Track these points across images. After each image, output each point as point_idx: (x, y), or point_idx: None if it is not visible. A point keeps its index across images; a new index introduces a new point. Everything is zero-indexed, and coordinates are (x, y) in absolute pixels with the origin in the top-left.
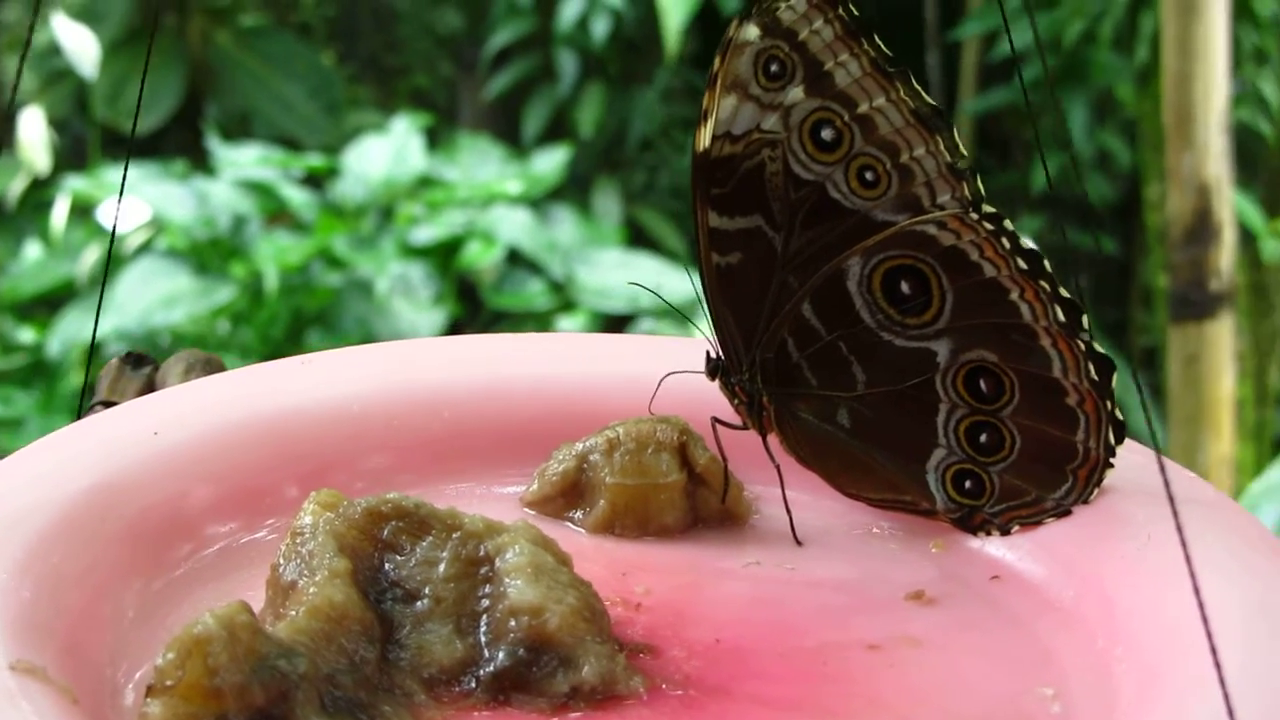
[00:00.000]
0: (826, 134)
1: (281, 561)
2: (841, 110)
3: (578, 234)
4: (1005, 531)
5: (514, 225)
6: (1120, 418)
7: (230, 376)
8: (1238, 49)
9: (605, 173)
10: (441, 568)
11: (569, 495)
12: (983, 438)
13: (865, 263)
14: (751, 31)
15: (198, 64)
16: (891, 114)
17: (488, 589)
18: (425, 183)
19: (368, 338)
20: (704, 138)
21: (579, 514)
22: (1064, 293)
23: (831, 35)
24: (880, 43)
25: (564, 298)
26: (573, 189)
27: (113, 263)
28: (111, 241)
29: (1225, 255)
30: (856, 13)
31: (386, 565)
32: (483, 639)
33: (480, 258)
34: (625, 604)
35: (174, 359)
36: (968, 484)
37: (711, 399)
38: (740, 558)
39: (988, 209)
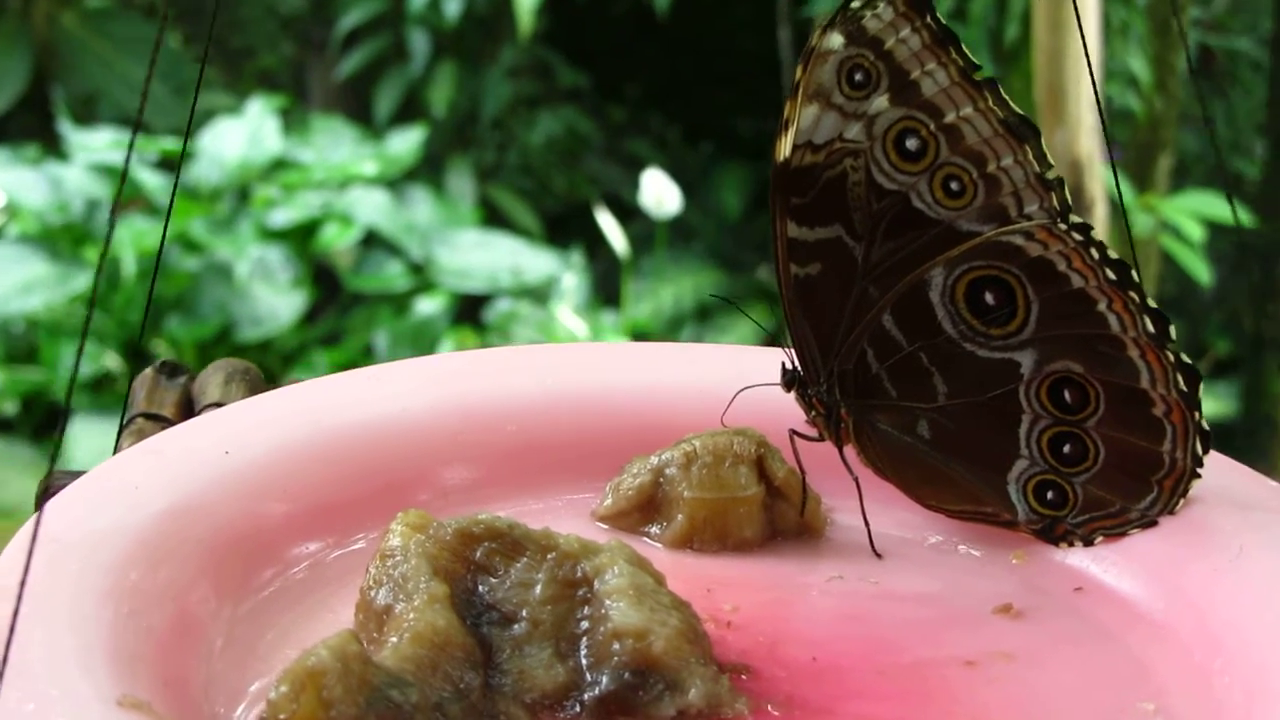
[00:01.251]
0: (911, 143)
1: (372, 585)
2: (927, 120)
3: (435, 214)
4: (1088, 542)
5: (371, 207)
6: (1206, 428)
7: (289, 392)
8: (1107, 25)
9: (458, 152)
10: (538, 590)
11: (645, 510)
12: (1066, 448)
13: (949, 273)
14: (835, 40)
15: (44, 46)
16: (979, 123)
17: (587, 610)
18: (280, 165)
19: (227, 322)
20: (784, 147)
21: (655, 529)
22: (1153, 303)
23: (919, 44)
24: (968, 52)
25: (423, 279)
26: (426, 169)
27: None
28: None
29: (1098, 229)
30: (944, 21)
31: (481, 588)
32: (584, 662)
33: (338, 239)
34: (716, 622)
35: (212, 368)
36: (1050, 495)
37: (782, 410)
38: (822, 572)
39: (1075, 219)
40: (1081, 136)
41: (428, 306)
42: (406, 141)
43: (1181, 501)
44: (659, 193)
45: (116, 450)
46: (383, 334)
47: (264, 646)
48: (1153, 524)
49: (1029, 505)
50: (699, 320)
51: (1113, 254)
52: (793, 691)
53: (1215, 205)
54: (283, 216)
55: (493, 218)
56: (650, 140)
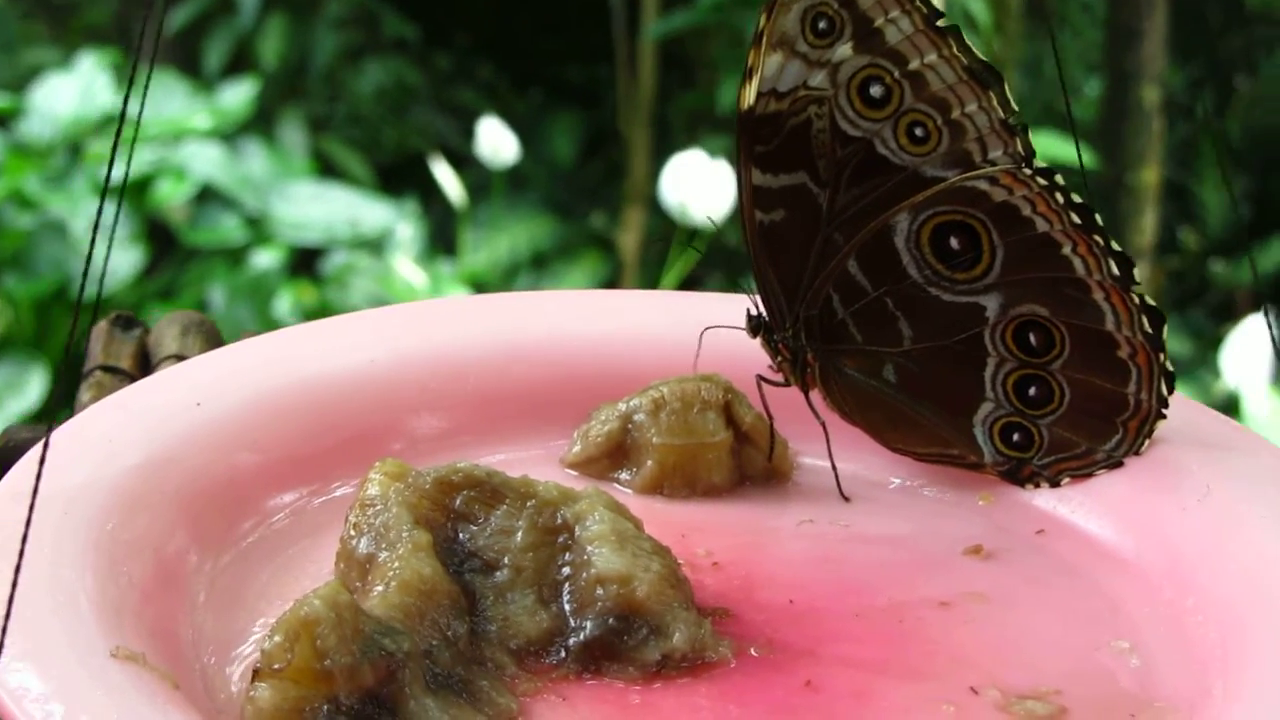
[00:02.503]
0: (875, 90)
1: (352, 534)
2: (891, 67)
3: (269, 167)
4: (1055, 483)
5: (205, 161)
6: (1171, 369)
7: (252, 344)
8: None
9: (289, 104)
10: (519, 537)
11: (613, 456)
12: (1031, 391)
13: (914, 218)
14: None
15: None
16: (943, 70)
17: (568, 557)
18: (113, 120)
19: (64, 280)
20: (749, 95)
21: (624, 475)
22: (1116, 246)
23: None
24: None
25: (260, 232)
26: (259, 122)
27: None
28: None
29: None
30: None
31: (461, 536)
32: (567, 608)
33: (173, 194)
34: (692, 567)
35: (166, 321)
36: (1016, 437)
37: (747, 355)
38: (792, 516)
39: (1040, 164)
40: None
41: (264, 260)
42: (238, 95)
43: (1147, 443)
44: (495, 142)
45: (75, 403)
46: (219, 288)
47: (249, 597)
48: (1119, 465)
49: (995, 447)
50: (535, 268)
51: (1077, 198)
52: (773, 635)
53: (1053, 146)
54: (117, 172)
55: (326, 169)
56: (479, 89)
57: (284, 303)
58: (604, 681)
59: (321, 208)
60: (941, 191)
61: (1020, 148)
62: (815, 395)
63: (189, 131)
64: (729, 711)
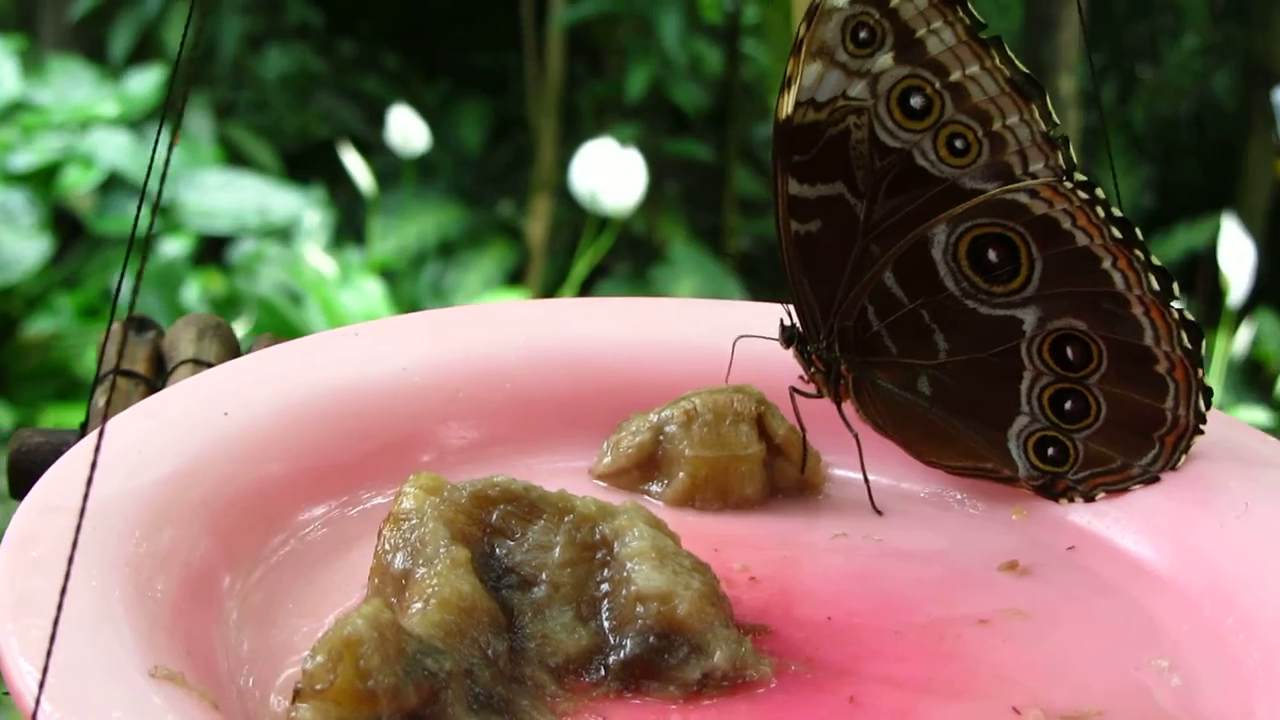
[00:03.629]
0: (916, 101)
1: (387, 549)
2: (933, 78)
3: (177, 155)
4: (1089, 498)
5: (113, 148)
6: (1209, 385)
7: (279, 352)
8: None
9: (195, 91)
10: (556, 552)
11: (644, 468)
12: (1067, 405)
13: (952, 230)
14: None
15: None
16: (985, 82)
17: (607, 573)
18: (18, 107)
19: None
20: (787, 105)
21: (655, 487)
22: (1156, 261)
23: (925, 2)
24: (974, 10)
25: (167, 220)
26: (166, 109)
27: None
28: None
29: None
30: None
31: (498, 551)
32: (606, 625)
33: (79, 182)
34: (729, 582)
35: (183, 323)
36: (1051, 451)
37: (779, 366)
38: (825, 529)
39: (1080, 177)
40: None
41: (172, 248)
42: (145, 82)
43: (1184, 458)
44: (405, 130)
45: (90, 406)
46: (128, 277)
47: (284, 613)
48: (1155, 480)
49: (1030, 461)
50: (443, 256)
51: (1117, 212)
52: (813, 653)
53: None
54: (23, 160)
55: (233, 157)
56: (384, 77)
57: (192, 291)
58: (644, 700)
59: (229, 196)
60: (981, 204)
61: (1062, 161)
62: (848, 407)
63: (96, 119)
64: None
